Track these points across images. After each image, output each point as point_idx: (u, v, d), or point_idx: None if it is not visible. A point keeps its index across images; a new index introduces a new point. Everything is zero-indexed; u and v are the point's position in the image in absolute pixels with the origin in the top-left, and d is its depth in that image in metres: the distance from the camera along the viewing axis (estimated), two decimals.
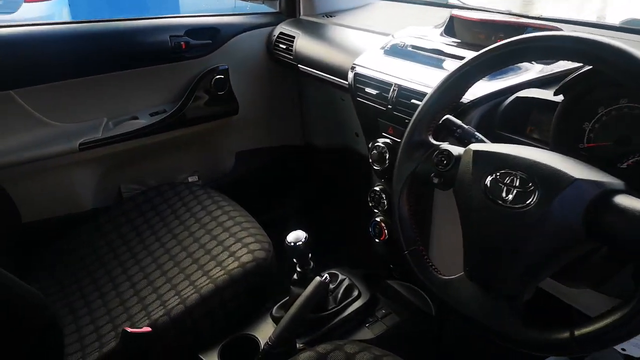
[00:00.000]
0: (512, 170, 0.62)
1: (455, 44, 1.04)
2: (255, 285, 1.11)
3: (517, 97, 0.84)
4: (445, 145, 0.73)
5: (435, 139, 0.76)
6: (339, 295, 1.13)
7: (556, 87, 0.77)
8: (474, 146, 0.68)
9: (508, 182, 0.62)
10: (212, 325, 1.07)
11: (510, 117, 0.85)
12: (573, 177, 0.57)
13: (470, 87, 0.72)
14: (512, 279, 0.62)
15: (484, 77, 0.70)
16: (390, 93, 0.98)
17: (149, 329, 0.99)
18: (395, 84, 0.98)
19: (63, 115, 1.33)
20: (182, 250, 1.20)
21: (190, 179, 1.69)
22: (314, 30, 1.47)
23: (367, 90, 1.03)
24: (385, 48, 1.10)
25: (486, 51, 0.70)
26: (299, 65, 1.45)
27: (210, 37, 1.49)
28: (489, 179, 0.64)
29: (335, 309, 1.10)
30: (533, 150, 0.64)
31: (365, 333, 1.09)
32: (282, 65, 1.59)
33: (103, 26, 1.37)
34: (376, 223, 1.13)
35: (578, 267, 0.65)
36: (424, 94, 0.92)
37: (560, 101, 0.77)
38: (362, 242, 1.74)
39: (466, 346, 1.33)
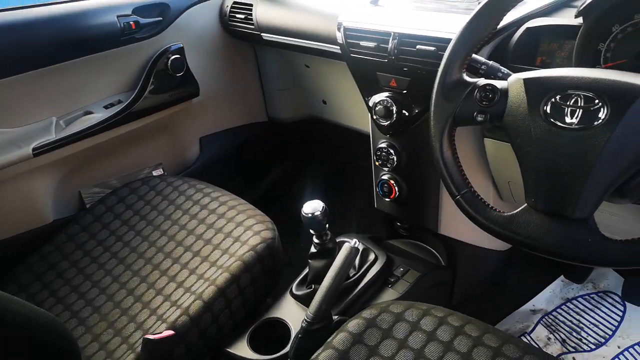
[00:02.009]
0: (574, 91, 0.61)
1: None
2: (268, 267, 1.05)
3: (527, 28, 0.84)
4: (484, 81, 0.70)
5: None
6: (357, 261, 1.10)
7: (573, 12, 0.76)
8: (522, 75, 0.67)
9: (571, 103, 0.61)
10: (233, 315, 1.00)
11: (522, 49, 0.84)
12: None
13: (504, 16, 0.70)
14: (583, 202, 0.61)
15: (518, 3, 0.68)
16: (390, 43, 0.94)
17: (171, 332, 0.90)
18: (395, 32, 0.94)
19: (8, 118, 1.16)
20: (177, 245, 1.10)
21: (155, 173, 1.56)
22: None
23: (363, 44, 0.99)
24: (370, 0, 1.05)
25: None
26: (262, 35, 1.37)
27: (160, 13, 1.36)
28: (548, 104, 0.62)
29: (357, 275, 1.07)
30: (584, 70, 0.63)
31: (391, 293, 1.08)
32: (238, 37, 1.50)
33: (39, 12, 1.19)
34: (384, 182, 1.10)
35: (629, 181, 0.66)
36: (430, 38, 0.90)
37: (577, 25, 0.77)
38: (356, 206, 1.73)
39: (476, 294, 1.36)
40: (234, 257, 1.02)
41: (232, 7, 1.44)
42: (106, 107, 1.33)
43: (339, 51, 1.07)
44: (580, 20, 0.77)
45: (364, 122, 1.32)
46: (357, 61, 1.03)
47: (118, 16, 1.26)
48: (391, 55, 0.95)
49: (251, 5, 1.38)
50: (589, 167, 0.60)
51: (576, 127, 0.60)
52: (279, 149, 1.88)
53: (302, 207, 0.98)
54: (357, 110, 1.39)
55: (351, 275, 1.07)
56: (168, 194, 1.25)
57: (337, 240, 1.13)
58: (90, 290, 1.07)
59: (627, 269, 1.22)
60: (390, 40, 0.94)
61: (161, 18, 1.35)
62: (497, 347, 0.76)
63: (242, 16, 1.40)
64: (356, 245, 0.91)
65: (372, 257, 1.11)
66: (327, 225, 0.99)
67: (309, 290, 1.04)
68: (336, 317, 0.94)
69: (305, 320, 0.88)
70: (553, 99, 0.62)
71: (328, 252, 1.01)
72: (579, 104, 0.60)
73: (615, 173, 0.60)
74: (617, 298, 1.32)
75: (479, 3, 0.72)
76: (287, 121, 1.73)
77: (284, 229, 1.21)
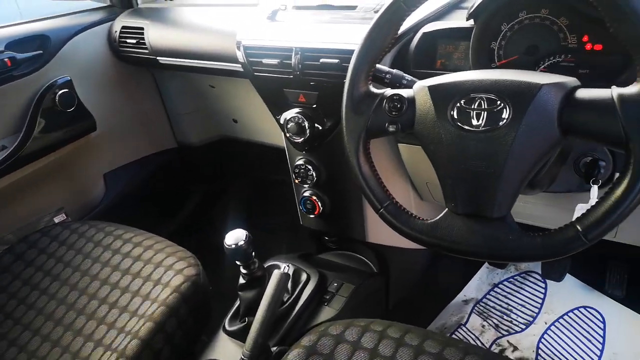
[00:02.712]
0: (476, 94, 0.62)
1: None
2: (196, 306, 0.98)
3: (424, 33, 0.85)
4: (391, 91, 0.70)
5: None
6: (289, 285, 1.06)
7: (464, 15, 0.79)
8: (426, 82, 0.67)
9: (475, 106, 0.62)
10: None
11: (421, 54, 0.85)
12: (539, 83, 0.59)
13: (402, 23, 0.69)
14: (500, 200, 0.62)
15: (415, 9, 0.68)
16: (294, 59, 0.92)
17: None
18: (296, 47, 0.91)
19: None
20: (90, 299, 1.00)
21: (56, 220, 1.42)
22: (164, 16, 1.31)
23: (265, 61, 0.95)
24: (267, 16, 1.02)
25: None
26: (158, 59, 1.29)
27: (40, 46, 1.24)
28: (454, 109, 0.63)
29: (291, 299, 1.03)
30: (483, 72, 0.64)
31: (328, 311, 1.05)
32: (132, 63, 1.41)
33: None
34: (306, 199, 1.08)
35: (538, 174, 0.69)
36: (333, 50, 0.89)
37: (469, 26, 0.80)
38: (283, 223, 1.69)
39: (410, 294, 1.38)
40: (156, 302, 0.94)
41: (121, 32, 1.34)
42: None
43: (242, 69, 1.03)
44: (472, 22, 0.79)
45: (279, 138, 1.29)
46: (261, 79, 0.99)
47: None
48: (296, 71, 0.92)
49: (142, 28, 1.30)
50: (501, 167, 0.61)
51: (483, 129, 0.61)
52: (193, 174, 1.80)
53: (225, 233, 0.93)
54: (271, 126, 1.35)
55: (285, 300, 1.03)
56: (73, 242, 1.13)
57: (266, 266, 1.09)
58: None
59: None
60: (293, 56, 0.92)
61: (41, 51, 1.23)
62: (439, 353, 0.76)
63: (134, 41, 1.31)
64: (286, 271, 0.87)
65: (304, 277, 1.08)
66: (253, 254, 0.94)
67: (242, 325, 0.98)
68: (275, 348, 0.90)
69: (242, 357, 0.83)
70: (458, 104, 0.63)
71: (258, 281, 0.96)
72: (483, 107, 0.61)
73: (525, 169, 0.61)
74: (537, 277, 1.40)
75: (376, 12, 0.72)
76: (198, 144, 1.66)
77: (209, 260, 1.14)
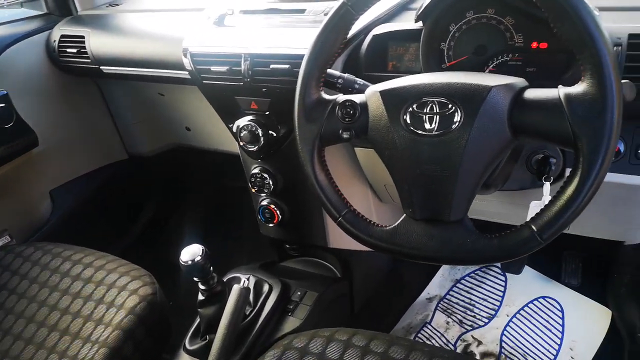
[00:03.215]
0: (428, 98, 0.61)
1: (286, 0, 0.99)
2: (154, 327, 0.94)
3: (373, 36, 0.84)
4: (343, 97, 0.68)
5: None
6: (251, 297, 1.03)
7: (414, 16, 0.78)
8: (376, 87, 0.66)
9: (427, 110, 0.61)
10: None
11: (372, 57, 0.84)
12: (489, 85, 0.58)
13: (351, 27, 0.68)
14: (457, 203, 0.62)
15: (363, 13, 0.67)
16: (243, 65, 0.89)
17: None
18: (246, 53, 0.89)
19: None
20: (39, 327, 0.94)
21: None
22: (107, 23, 1.26)
23: (214, 69, 0.92)
24: (214, 21, 0.99)
25: None
26: (101, 68, 1.23)
27: None
28: (407, 114, 0.62)
29: (254, 311, 1.00)
30: (434, 75, 0.64)
31: (293, 321, 1.03)
32: (75, 73, 1.34)
33: None
34: (264, 207, 1.05)
35: (492, 174, 0.69)
36: (283, 56, 0.87)
37: (418, 28, 0.79)
38: (244, 230, 1.64)
39: (374, 297, 1.38)
40: (110, 326, 0.90)
41: (60, 42, 1.27)
42: None
43: (190, 77, 0.99)
44: (420, 23, 0.79)
45: (235, 145, 1.25)
46: (210, 87, 0.96)
47: None
48: (246, 78, 0.90)
49: (83, 37, 1.23)
50: (456, 170, 0.60)
51: (436, 133, 0.60)
52: (147, 186, 1.73)
53: (182, 246, 0.89)
54: (226, 133, 1.32)
55: (247, 313, 1.00)
56: (18, 267, 1.06)
57: (226, 280, 1.06)
58: None
59: None
60: (243, 62, 0.89)
61: None
62: (404, 359, 0.75)
63: (74, 50, 1.25)
64: (246, 284, 0.85)
65: (266, 287, 1.06)
66: (211, 269, 0.91)
67: (203, 343, 0.95)
68: None
69: None
70: (410, 109, 0.62)
71: (218, 297, 0.93)
72: (435, 110, 0.61)
73: (479, 171, 0.61)
74: (497, 270, 1.42)
75: (326, 14, 0.70)
76: (151, 154, 1.60)
77: (167, 276, 1.10)
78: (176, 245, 1.00)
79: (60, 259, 1.05)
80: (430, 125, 0.61)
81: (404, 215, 0.66)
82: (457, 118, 0.59)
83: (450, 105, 0.60)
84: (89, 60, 1.24)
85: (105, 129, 1.53)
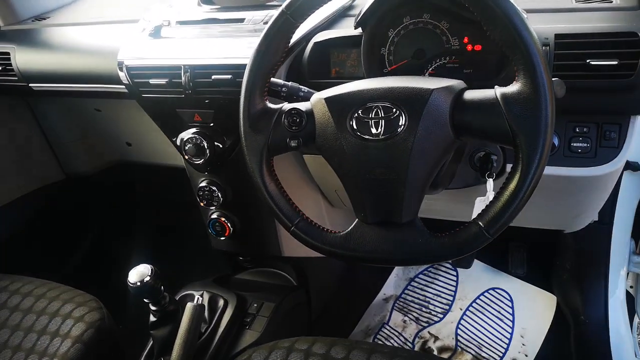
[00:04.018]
0: (372, 103, 0.62)
1: (223, 10, 0.98)
2: (104, 354, 0.90)
3: (315, 43, 0.84)
4: (288, 105, 0.68)
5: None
6: (206, 314, 1.01)
7: (351, 22, 0.79)
8: (321, 94, 0.66)
9: (372, 115, 0.62)
10: None
11: (315, 64, 0.85)
12: (429, 88, 0.60)
13: (292, 35, 0.68)
14: (407, 205, 0.63)
15: (303, 21, 0.67)
16: (183, 77, 0.87)
17: None
18: (185, 65, 0.86)
19: None
20: None
21: None
22: (34, 38, 1.19)
23: (153, 81, 0.89)
24: (150, 32, 0.96)
25: None
26: (30, 86, 1.16)
27: None
28: (353, 120, 0.62)
29: (211, 327, 0.98)
30: (376, 80, 0.65)
31: (251, 334, 1.01)
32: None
33: None
34: (215, 221, 1.02)
35: (438, 174, 0.71)
36: (224, 66, 0.85)
37: (359, 34, 0.80)
38: (194, 245, 1.59)
39: (331, 302, 1.38)
40: (56, 358, 0.84)
41: None
42: None
43: (127, 91, 0.96)
44: (360, 30, 0.80)
45: (178, 158, 1.21)
46: (150, 100, 0.93)
47: None
48: (187, 90, 0.87)
49: (8, 53, 1.16)
50: (404, 172, 0.61)
51: (383, 137, 0.61)
52: (87, 206, 1.65)
53: (130, 266, 0.85)
54: (170, 146, 1.28)
55: (203, 331, 0.97)
56: None
57: (179, 298, 1.02)
58: None
59: None
60: (183, 74, 0.87)
61: None
62: None
63: None
64: (200, 301, 0.82)
65: (221, 302, 1.03)
66: (162, 288, 0.87)
67: None
68: None
69: None
70: (356, 114, 0.62)
71: (171, 317, 0.89)
72: (380, 115, 0.61)
73: (427, 171, 0.63)
74: (448, 266, 1.46)
75: (265, 23, 0.69)
76: (90, 173, 1.52)
77: (114, 299, 1.05)
78: (123, 266, 0.96)
79: None
80: (377, 130, 0.62)
81: (356, 220, 0.67)
82: (402, 122, 0.60)
83: (394, 110, 0.61)
84: (15, 78, 1.16)
85: (38, 148, 1.44)
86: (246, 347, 0.98)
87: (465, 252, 0.61)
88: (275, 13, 0.66)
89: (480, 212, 0.61)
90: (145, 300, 0.88)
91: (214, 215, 1.03)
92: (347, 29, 0.85)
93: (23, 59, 1.15)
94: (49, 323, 0.90)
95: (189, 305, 0.81)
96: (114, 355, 0.92)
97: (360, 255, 0.66)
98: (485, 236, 0.59)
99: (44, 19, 1.31)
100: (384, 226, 0.64)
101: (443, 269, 1.46)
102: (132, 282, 0.83)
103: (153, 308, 0.89)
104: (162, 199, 1.74)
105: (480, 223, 0.60)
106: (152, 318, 0.90)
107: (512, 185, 0.57)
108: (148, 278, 0.83)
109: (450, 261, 1.47)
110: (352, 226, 0.67)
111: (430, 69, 0.80)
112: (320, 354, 0.78)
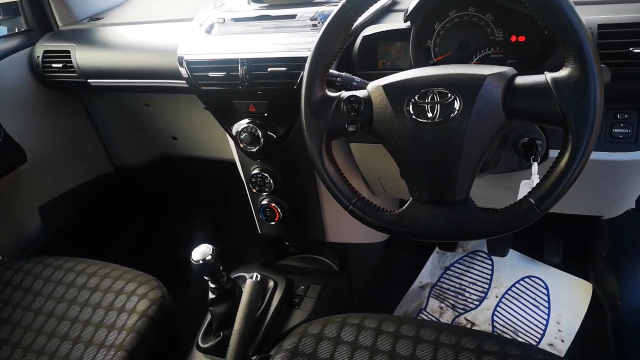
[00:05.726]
0: (428, 89, 0.66)
1: (272, 7, 1.04)
2: (167, 329, 0.96)
3: (364, 37, 0.89)
4: (347, 93, 0.73)
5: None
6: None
7: (400, 17, 0.84)
8: (378, 82, 0.71)
9: (428, 100, 0.66)
10: None
11: (364, 56, 0.90)
12: (483, 74, 0.64)
13: (351, 28, 0.73)
14: (460, 184, 0.67)
15: (362, 14, 0.72)
16: (240, 70, 0.93)
17: None
18: (242, 59, 0.92)
19: None
20: (50, 338, 0.95)
21: None
22: (91, 37, 1.27)
23: (212, 74, 0.95)
24: (206, 29, 1.02)
25: None
26: (89, 81, 1.24)
27: None
28: (409, 104, 0.67)
29: (262, 306, 1.04)
30: (430, 68, 0.70)
31: (300, 314, 1.07)
32: (59, 88, 1.34)
33: None
34: (265, 206, 1.08)
35: (486, 158, 0.75)
36: (280, 59, 0.91)
37: (406, 27, 0.85)
38: (236, 236, 1.67)
39: (370, 288, 1.43)
40: (124, 330, 0.91)
41: (44, 57, 1.28)
42: None
43: (186, 85, 1.02)
44: (409, 23, 0.85)
45: (222, 151, 1.27)
46: (209, 93, 0.99)
47: None
48: (244, 82, 0.93)
49: (68, 51, 1.24)
50: (458, 153, 0.66)
51: (438, 120, 0.66)
52: (135, 197, 1.74)
53: (183, 249, 0.91)
54: (213, 139, 1.34)
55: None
56: (19, 282, 1.06)
57: (233, 278, 1.09)
58: None
59: None
60: (240, 67, 0.93)
61: None
62: (415, 336, 0.80)
63: (59, 65, 1.25)
64: (257, 279, 0.88)
65: (271, 284, 1.09)
66: (220, 267, 0.94)
67: (218, 339, 0.97)
68: (255, 357, 0.90)
69: None
70: (413, 99, 0.67)
71: (228, 294, 0.96)
72: (436, 100, 0.66)
73: (479, 153, 0.67)
74: (484, 255, 1.50)
75: (314, 19, 0.74)
76: (137, 166, 1.61)
77: (169, 280, 1.12)
78: (174, 250, 1.02)
79: (62, 271, 1.06)
80: (432, 114, 0.66)
81: (411, 199, 0.71)
82: (456, 106, 0.65)
83: (449, 95, 0.65)
84: (75, 74, 1.24)
85: (91, 142, 1.53)
86: (296, 325, 1.03)
87: (517, 227, 0.65)
88: (336, 7, 0.71)
89: (530, 190, 0.65)
90: (205, 277, 0.94)
91: (265, 201, 1.09)
92: (392, 23, 0.90)
93: (82, 56, 1.23)
94: (115, 299, 0.97)
95: (249, 281, 0.87)
96: (173, 331, 0.99)
97: (416, 231, 0.70)
98: (536, 211, 0.64)
99: (99, 19, 1.39)
100: (438, 204, 0.69)
101: (478, 257, 1.50)
102: (195, 259, 0.90)
103: (212, 286, 0.96)
104: (202, 191, 1.81)
105: (531, 200, 0.64)
106: (210, 295, 0.97)
107: (563, 163, 0.61)
108: (210, 257, 0.90)
109: (486, 250, 1.50)
110: (406, 205, 0.72)
111: (475, 59, 0.84)
112: (372, 327, 0.83)
